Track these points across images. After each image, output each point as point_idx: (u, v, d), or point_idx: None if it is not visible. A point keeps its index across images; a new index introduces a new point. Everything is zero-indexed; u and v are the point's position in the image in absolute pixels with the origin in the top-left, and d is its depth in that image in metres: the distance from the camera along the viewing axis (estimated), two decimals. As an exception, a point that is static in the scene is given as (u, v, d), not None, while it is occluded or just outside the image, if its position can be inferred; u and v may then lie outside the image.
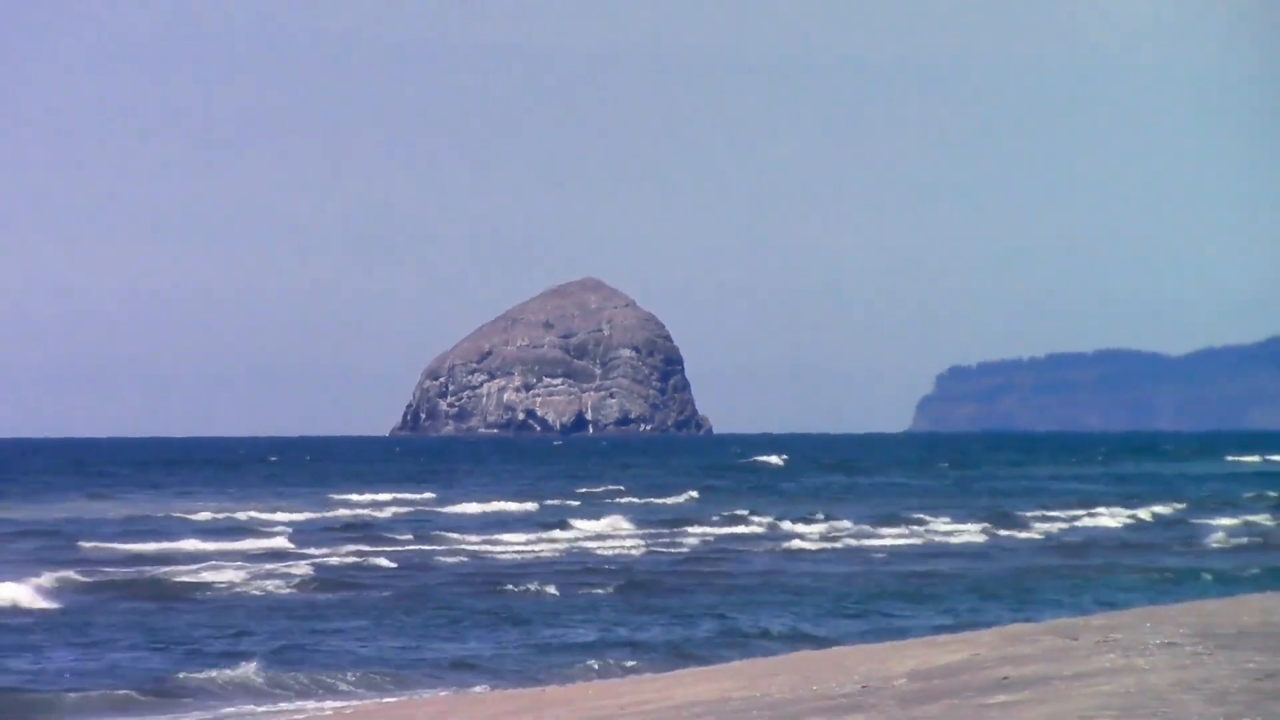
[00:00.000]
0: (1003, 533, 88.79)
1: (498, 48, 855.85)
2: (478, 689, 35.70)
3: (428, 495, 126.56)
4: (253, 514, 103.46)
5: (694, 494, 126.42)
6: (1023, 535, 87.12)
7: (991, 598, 59.48)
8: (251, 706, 37.84)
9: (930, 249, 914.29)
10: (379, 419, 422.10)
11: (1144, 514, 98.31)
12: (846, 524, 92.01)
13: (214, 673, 42.01)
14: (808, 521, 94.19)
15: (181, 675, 41.15)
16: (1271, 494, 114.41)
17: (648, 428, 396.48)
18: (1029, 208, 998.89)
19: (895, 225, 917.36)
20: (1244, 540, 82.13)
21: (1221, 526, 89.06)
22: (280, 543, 79.57)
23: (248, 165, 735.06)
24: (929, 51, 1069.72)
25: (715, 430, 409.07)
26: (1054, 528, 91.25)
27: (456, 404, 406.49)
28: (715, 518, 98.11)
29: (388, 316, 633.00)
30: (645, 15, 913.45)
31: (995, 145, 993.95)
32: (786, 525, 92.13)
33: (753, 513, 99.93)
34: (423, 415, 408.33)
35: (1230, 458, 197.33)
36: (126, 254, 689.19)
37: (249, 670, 41.84)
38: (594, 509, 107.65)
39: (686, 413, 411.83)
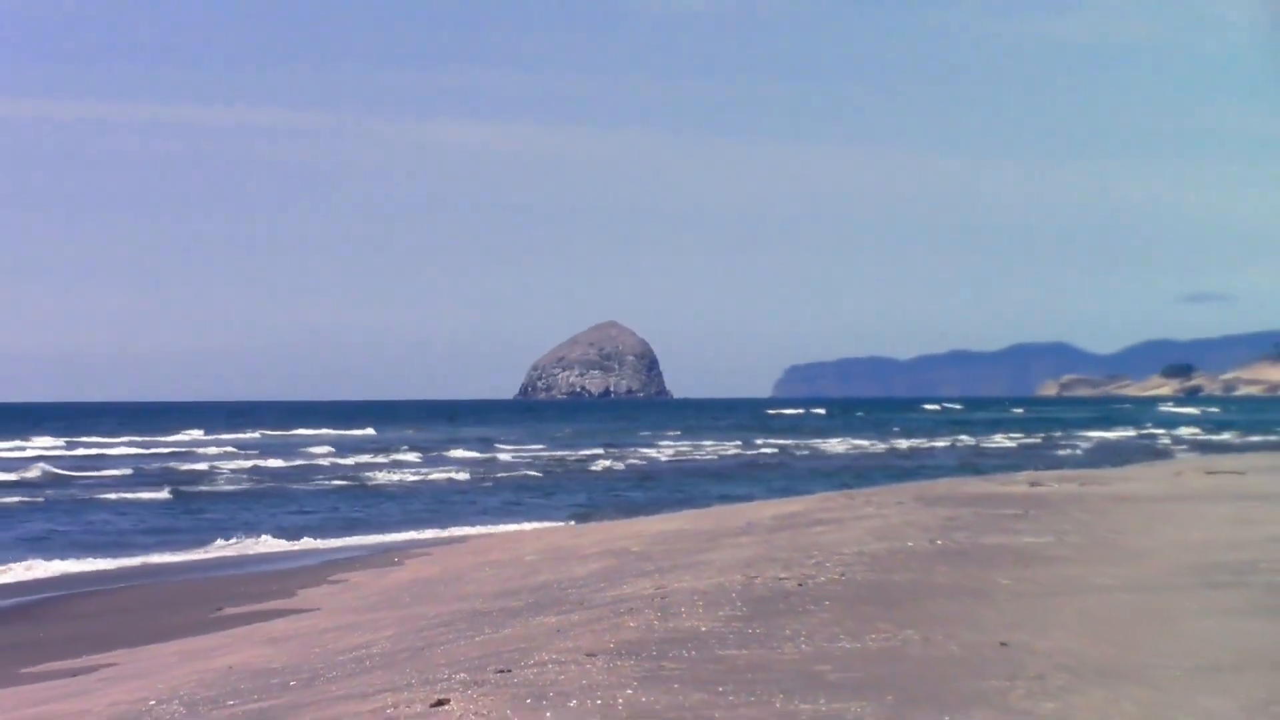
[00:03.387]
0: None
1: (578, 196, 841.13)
2: (572, 523, 31.03)
3: (621, 425, 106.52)
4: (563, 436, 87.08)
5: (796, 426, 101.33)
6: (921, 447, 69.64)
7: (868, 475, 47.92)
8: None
9: (784, 302, 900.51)
10: (504, 390, 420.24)
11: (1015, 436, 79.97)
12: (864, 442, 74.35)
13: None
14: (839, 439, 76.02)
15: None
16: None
17: (640, 395, 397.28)
18: (851, 274, 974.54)
19: (763, 292, 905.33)
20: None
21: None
22: (598, 452, 66.55)
23: (460, 292, 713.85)
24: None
25: (675, 395, 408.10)
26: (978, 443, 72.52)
27: (546, 384, 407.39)
28: (842, 439, 77.18)
29: (511, 338, 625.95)
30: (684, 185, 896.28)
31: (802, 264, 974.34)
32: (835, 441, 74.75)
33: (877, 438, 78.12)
34: (529, 389, 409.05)
35: (1012, 409, 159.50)
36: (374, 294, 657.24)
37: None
38: (726, 433, 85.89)
39: (660, 387, 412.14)
